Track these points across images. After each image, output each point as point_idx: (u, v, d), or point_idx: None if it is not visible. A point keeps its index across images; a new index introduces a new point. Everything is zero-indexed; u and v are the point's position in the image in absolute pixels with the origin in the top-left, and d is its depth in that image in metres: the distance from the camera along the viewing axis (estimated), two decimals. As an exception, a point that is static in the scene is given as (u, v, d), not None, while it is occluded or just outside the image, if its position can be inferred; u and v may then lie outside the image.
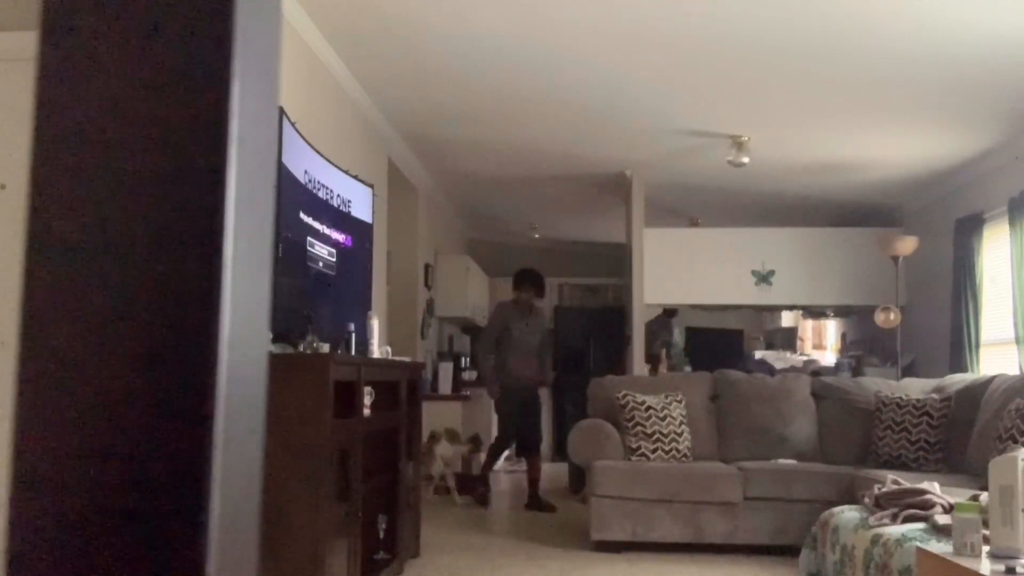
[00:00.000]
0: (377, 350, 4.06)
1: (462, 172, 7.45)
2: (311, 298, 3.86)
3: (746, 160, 6.13)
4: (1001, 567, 2.37)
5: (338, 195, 4.26)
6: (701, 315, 9.18)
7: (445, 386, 7.71)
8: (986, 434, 4.49)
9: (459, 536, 5.23)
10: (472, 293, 8.98)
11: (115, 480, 0.29)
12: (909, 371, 6.82)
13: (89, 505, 0.29)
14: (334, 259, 4.12)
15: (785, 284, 7.77)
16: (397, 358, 4.41)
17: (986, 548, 2.55)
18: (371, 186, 4.83)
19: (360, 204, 4.58)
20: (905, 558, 2.89)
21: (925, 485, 3.43)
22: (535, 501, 6.33)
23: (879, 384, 5.55)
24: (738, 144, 6.11)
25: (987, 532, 2.58)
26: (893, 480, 3.59)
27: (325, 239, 4.02)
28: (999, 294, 6.16)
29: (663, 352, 7.96)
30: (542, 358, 6.59)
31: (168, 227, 0.30)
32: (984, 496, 2.92)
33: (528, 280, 6.54)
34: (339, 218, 4.26)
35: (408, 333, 7.30)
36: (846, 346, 8.85)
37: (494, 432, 6.97)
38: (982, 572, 2.38)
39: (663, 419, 5.19)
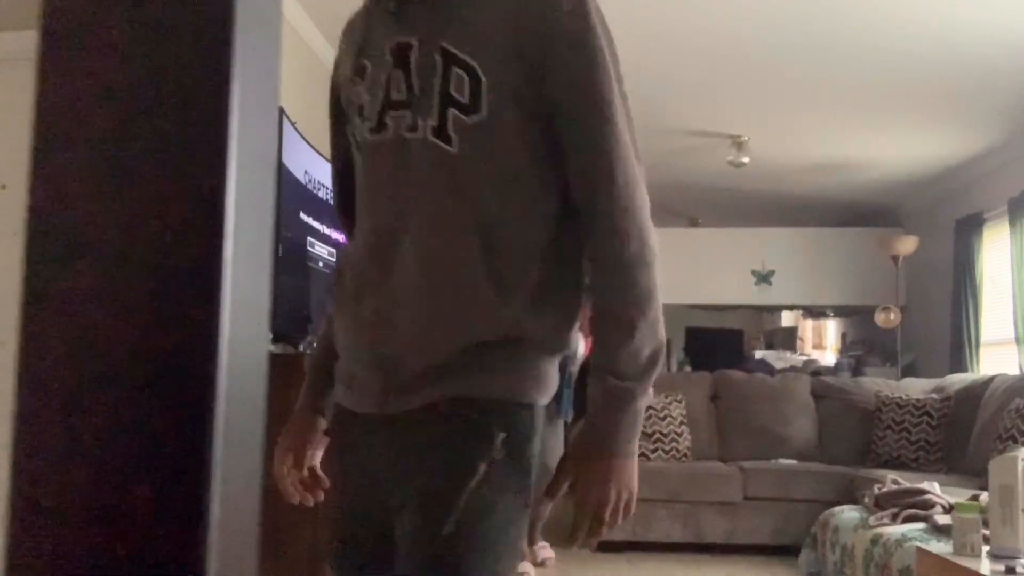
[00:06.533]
0: (377, 350, 4.06)
1: (462, 172, 7.44)
2: (311, 298, 3.86)
3: (746, 160, 6.12)
4: (1001, 567, 2.37)
5: (338, 195, 4.26)
6: (701, 315, 9.17)
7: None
8: (986, 434, 4.49)
9: (459, 536, 5.23)
10: (472, 293, 8.96)
11: (114, 480, 0.29)
12: (909, 371, 6.82)
13: (88, 505, 0.29)
14: (334, 259, 4.12)
15: (785, 284, 7.78)
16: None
17: (986, 548, 2.55)
18: (371, 186, 4.82)
19: (360, 204, 4.58)
20: (905, 558, 2.89)
21: (925, 485, 3.43)
22: None
23: (879, 384, 5.55)
24: (738, 144, 6.10)
25: (987, 532, 2.58)
26: (893, 480, 3.59)
27: (325, 239, 4.02)
28: (999, 294, 6.15)
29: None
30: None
31: (168, 227, 0.30)
32: (984, 496, 2.92)
33: None
34: (339, 218, 4.26)
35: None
36: (846, 346, 8.85)
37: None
38: (982, 572, 2.38)
39: (663, 419, 5.19)
